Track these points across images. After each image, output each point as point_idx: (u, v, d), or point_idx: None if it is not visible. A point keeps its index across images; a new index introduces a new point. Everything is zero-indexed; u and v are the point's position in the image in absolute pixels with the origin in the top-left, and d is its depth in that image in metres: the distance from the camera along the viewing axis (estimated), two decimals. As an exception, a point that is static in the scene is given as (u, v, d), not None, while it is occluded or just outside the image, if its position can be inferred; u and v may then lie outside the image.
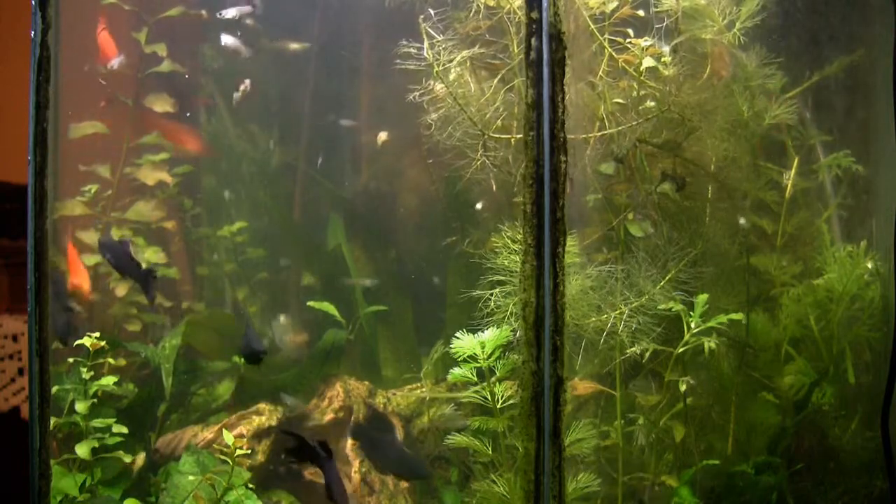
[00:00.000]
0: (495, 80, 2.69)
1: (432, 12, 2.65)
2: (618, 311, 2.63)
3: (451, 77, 2.64)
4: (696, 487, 2.74)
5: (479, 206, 3.04)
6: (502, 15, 2.71)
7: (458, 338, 2.58)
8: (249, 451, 2.92)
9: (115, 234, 3.40)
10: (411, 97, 2.69)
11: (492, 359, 2.56)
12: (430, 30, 2.64)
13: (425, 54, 2.63)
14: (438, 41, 2.64)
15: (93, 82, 3.34)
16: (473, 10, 2.71)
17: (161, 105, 3.40)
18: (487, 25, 2.74)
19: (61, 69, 2.58)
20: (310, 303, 3.33)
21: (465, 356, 2.58)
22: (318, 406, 3.19)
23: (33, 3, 2.43)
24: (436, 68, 2.63)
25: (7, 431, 3.81)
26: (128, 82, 3.42)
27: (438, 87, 2.68)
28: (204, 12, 3.43)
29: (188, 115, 3.55)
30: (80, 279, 3.22)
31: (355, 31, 3.47)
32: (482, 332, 2.57)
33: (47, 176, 2.44)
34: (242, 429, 3.04)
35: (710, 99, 2.78)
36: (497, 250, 2.60)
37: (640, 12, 2.68)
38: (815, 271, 2.96)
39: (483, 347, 2.56)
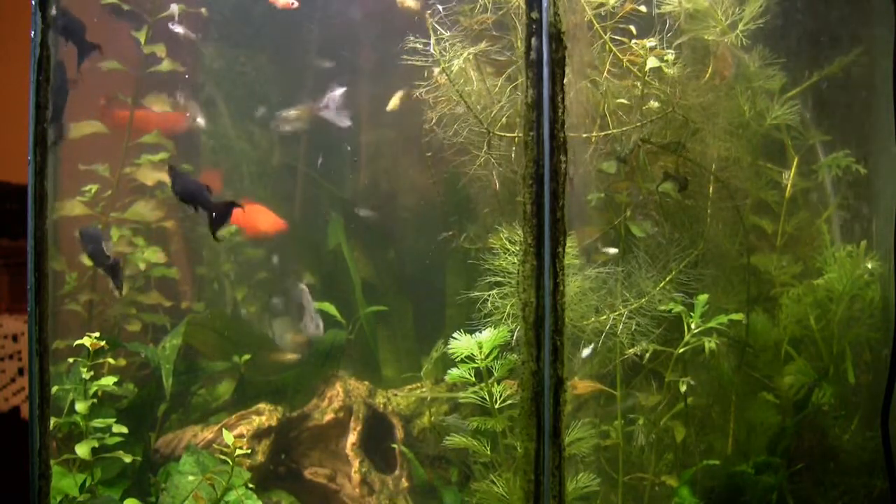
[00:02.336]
0: (501, 78, 2.69)
1: (440, 8, 2.65)
2: (617, 313, 2.63)
3: (455, 72, 2.64)
4: (696, 487, 2.74)
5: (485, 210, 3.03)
6: (508, 11, 2.71)
7: (455, 338, 2.58)
8: (249, 451, 2.92)
9: (115, 233, 3.40)
10: (417, 94, 2.69)
11: (489, 359, 2.56)
12: (436, 25, 2.64)
13: (431, 50, 2.63)
14: (445, 37, 2.64)
15: (93, 82, 3.34)
16: (479, 6, 2.71)
17: (160, 105, 3.39)
18: (493, 20, 2.73)
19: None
20: (309, 303, 3.34)
21: (463, 356, 2.58)
22: (318, 406, 3.19)
23: (33, 3, 2.43)
24: (442, 64, 2.63)
25: (7, 431, 3.81)
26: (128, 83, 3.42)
27: (443, 82, 2.67)
28: (204, 10, 3.42)
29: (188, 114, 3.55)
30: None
31: (356, 27, 3.47)
32: (481, 332, 2.57)
33: (47, 176, 2.44)
34: (242, 429, 3.04)
35: (714, 100, 2.78)
36: (495, 251, 2.60)
37: (643, 8, 2.67)
38: (815, 271, 2.96)
39: (481, 348, 2.56)
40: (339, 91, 3.27)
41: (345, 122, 3.28)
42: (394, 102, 3.18)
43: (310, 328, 3.00)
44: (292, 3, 3.17)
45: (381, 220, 3.56)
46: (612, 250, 2.68)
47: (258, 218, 3.43)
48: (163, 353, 3.10)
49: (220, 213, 2.84)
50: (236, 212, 3.29)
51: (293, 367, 3.37)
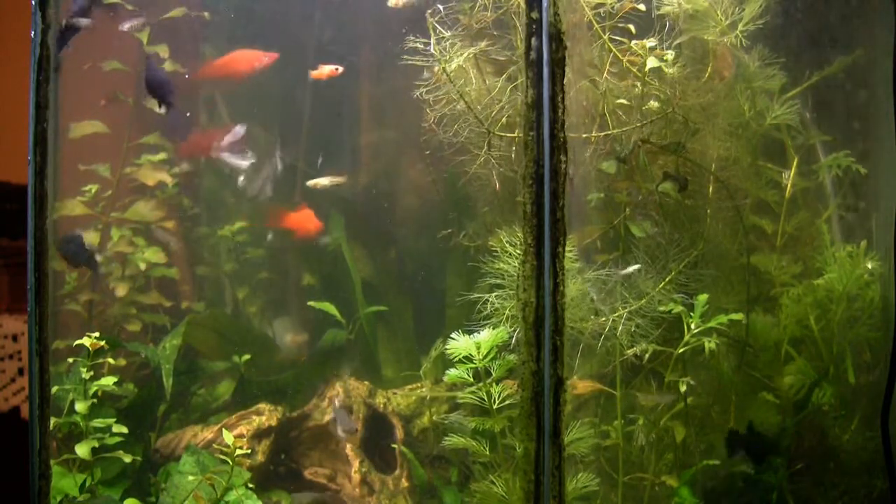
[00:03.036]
0: (501, 78, 2.68)
1: (441, 7, 2.65)
2: (617, 314, 2.63)
3: (455, 70, 2.64)
4: (696, 487, 2.74)
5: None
6: (508, 10, 2.71)
7: (454, 338, 2.58)
8: (249, 451, 2.92)
9: (115, 233, 3.40)
10: (417, 94, 2.69)
11: (488, 359, 2.56)
12: (437, 24, 2.64)
13: (432, 49, 2.63)
14: (445, 36, 2.63)
15: (93, 82, 3.34)
16: (479, 5, 2.71)
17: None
18: (493, 19, 2.73)
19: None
20: (310, 303, 3.33)
21: (461, 357, 2.57)
22: (318, 406, 3.20)
23: (33, 3, 2.43)
24: (443, 64, 2.63)
25: (7, 431, 3.81)
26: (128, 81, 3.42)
27: (443, 81, 2.67)
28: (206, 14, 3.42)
29: (188, 114, 3.55)
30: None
31: (356, 27, 3.47)
32: (480, 332, 2.57)
33: (47, 176, 2.44)
34: (242, 429, 3.04)
35: (714, 100, 2.78)
36: (495, 252, 2.60)
37: (642, 6, 2.67)
38: (815, 271, 2.96)
39: (479, 348, 2.55)
40: (239, 130, 3.28)
41: (241, 163, 3.30)
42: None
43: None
44: (337, 69, 3.15)
45: (381, 220, 3.56)
46: (621, 273, 2.69)
47: (306, 221, 3.44)
48: (163, 353, 3.10)
49: (177, 114, 2.88)
50: (287, 218, 3.37)
51: (293, 367, 3.37)
